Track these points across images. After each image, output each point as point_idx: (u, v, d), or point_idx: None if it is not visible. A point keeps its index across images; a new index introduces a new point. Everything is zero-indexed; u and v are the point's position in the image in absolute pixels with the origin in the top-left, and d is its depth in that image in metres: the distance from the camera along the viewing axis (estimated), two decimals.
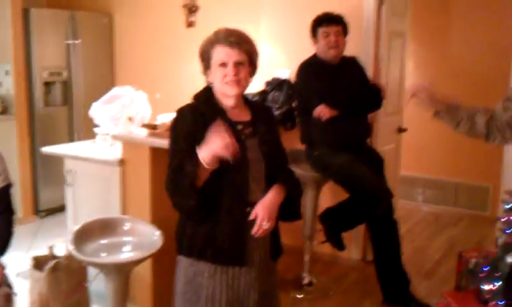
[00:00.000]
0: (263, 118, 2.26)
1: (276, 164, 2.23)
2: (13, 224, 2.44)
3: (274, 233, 2.21)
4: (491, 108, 2.37)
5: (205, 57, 2.17)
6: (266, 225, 2.09)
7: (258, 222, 2.09)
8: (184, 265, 2.20)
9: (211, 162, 2.00)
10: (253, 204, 2.12)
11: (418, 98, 2.42)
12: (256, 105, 2.33)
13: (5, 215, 2.43)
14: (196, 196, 2.01)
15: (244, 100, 2.26)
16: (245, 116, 2.22)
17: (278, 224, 2.25)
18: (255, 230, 2.09)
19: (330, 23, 3.71)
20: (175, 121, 2.17)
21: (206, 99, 2.18)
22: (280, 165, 2.27)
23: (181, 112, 2.17)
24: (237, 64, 2.10)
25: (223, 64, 2.10)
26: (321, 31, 3.71)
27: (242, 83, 2.13)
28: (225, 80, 2.11)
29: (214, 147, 1.97)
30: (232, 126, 2.11)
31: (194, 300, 2.17)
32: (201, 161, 1.99)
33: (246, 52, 2.13)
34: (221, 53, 2.11)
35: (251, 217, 2.10)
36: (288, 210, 2.23)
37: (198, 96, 2.22)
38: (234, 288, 2.15)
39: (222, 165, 2.04)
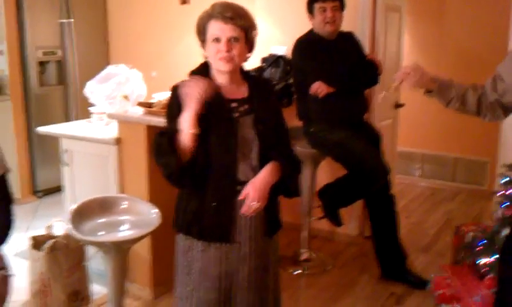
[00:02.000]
0: (261, 93, 2.22)
1: (271, 141, 2.18)
2: (12, 213, 2.41)
3: (270, 210, 2.19)
4: (480, 85, 2.36)
5: (201, 31, 2.13)
6: (256, 205, 2.08)
7: (247, 201, 2.07)
8: (180, 237, 2.23)
9: (189, 124, 1.97)
10: (243, 183, 2.10)
11: (409, 82, 2.40)
12: (255, 81, 2.27)
13: (3, 203, 2.40)
14: (176, 153, 1.99)
15: (244, 75, 2.23)
16: (242, 92, 2.18)
17: (277, 200, 2.25)
18: (244, 210, 2.08)
19: None
20: (170, 99, 2.16)
21: (201, 75, 2.14)
22: (278, 142, 2.21)
23: (175, 89, 2.14)
24: (231, 40, 2.07)
25: (217, 40, 2.07)
26: (318, 6, 3.67)
27: (235, 60, 2.09)
28: (218, 56, 2.08)
29: (188, 104, 1.98)
30: (223, 103, 2.10)
31: (186, 272, 2.20)
32: (180, 124, 1.99)
33: (242, 28, 2.08)
34: (215, 28, 2.07)
35: (241, 196, 2.08)
36: (285, 188, 2.22)
37: (194, 73, 2.19)
38: (226, 263, 2.16)
39: (209, 142, 2.04)
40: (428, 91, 2.40)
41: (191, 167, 2.03)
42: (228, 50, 2.06)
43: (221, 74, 2.14)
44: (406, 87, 2.47)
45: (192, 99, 1.98)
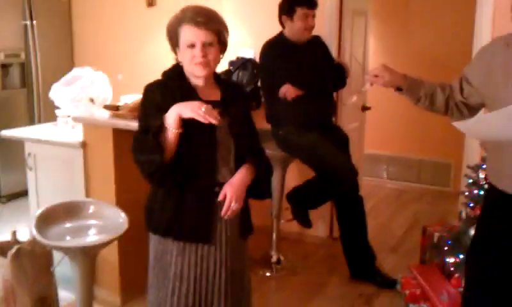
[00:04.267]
0: (234, 97, 2.23)
1: (246, 144, 2.20)
2: None
3: (243, 211, 2.20)
4: (448, 84, 2.40)
5: (173, 36, 2.12)
6: (235, 206, 2.08)
7: (227, 203, 2.07)
8: (153, 242, 2.19)
9: (174, 123, 1.97)
10: (221, 185, 2.11)
11: (380, 83, 2.43)
12: (227, 84, 2.29)
13: None
14: (161, 150, 1.97)
15: (216, 79, 2.23)
16: (215, 95, 2.18)
17: (248, 203, 2.25)
18: (224, 211, 2.08)
19: (311, 6, 3.67)
20: (143, 98, 2.13)
21: (176, 76, 2.14)
22: (250, 145, 2.24)
23: (149, 88, 2.13)
24: (206, 45, 2.06)
25: (191, 45, 2.06)
26: (301, 12, 3.64)
27: (211, 64, 2.10)
28: (193, 61, 2.07)
29: (182, 109, 1.97)
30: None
31: (161, 277, 2.16)
32: (165, 121, 1.98)
33: (215, 32, 2.08)
34: (189, 33, 2.06)
35: (220, 197, 2.08)
36: (258, 190, 2.22)
37: (167, 74, 2.18)
38: (203, 266, 2.14)
39: (190, 144, 2.03)
40: (398, 89, 2.43)
41: (173, 167, 2.02)
42: (204, 55, 2.05)
43: (196, 78, 2.13)
44: (377, 87, 2.49)
45: (189, 109, 1.96)
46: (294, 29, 3.72)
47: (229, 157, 2.15)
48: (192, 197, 2.09)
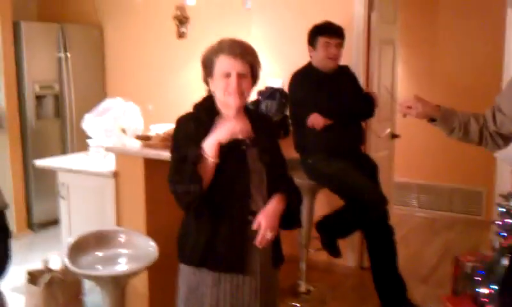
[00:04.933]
0: (262, 127, 2.26)
1: (277, 173, 2.23)
2: (9, 247, 2.41)
3: (275, 241, 2.20)
4: (481, 114, 2.38)
5: (208, 66, 2.16)
6: (269, 235, 2.09)
7: (261, 232, 2.08)
8: (186, 274, 2.19)
9: (213, 152, 2.01)
10: (254, 213, 2.12)
11: (413, 114, 2.43)
12: (255, 115, 2.32)
13: (1, 237, 2.39)
14: (200, 180, 1.99)
15: (245, 110, 2.25)
16: (246, 125, 2.21)
17: (279, 232, 2.25)
18: (258, 240, 2.09)
19: (332, 35, 3.70)
20: (176, 130, 2.17)
21: (207, 108, 2.18)
22: (280, 174, 2.26)
23: (182, 120, 2.17)
24: (240, 76, 2.10)
25: (227, 75, 2.10)
26: (322, 40, 3.69)
27: (244, 95, 2.14)
28: (228, 91, 2.10)
29: (220, 134, 2.02)
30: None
31: None
32: (203, 151, 2.01)
33: (249, 64, 2.13)
34: (225, 63, 2.10)
35: (255, 226, 2.09)
36: (289, 218, 2.22)
37: (198, 106, 2.22)
38: (238, 297, 2.14)
39: (224, 173, 2.05)
40: (432, 120, 2.42)
41: (209, 196, 2.04)
42: (239, 85, 2.09)
43: (228, 108, 2.15)
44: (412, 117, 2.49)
45: (226, 130, 2.03)
46: (317, 58, 3.75)
47: (262, 186, 2.17)
48: (226, 226, 2.10)
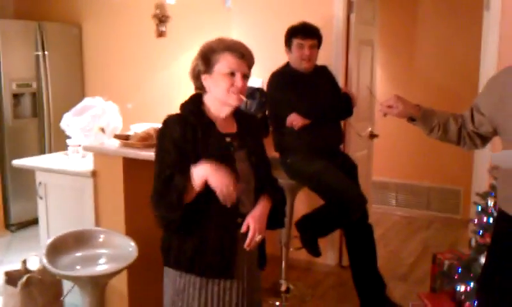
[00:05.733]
0: (249, 128, 2.26)
1: (263, 174, 2.23)
2: None
3: (261, 243, 2.20)
4: (460, 115, 2.42)
5: (208, 61, 2.12)
6: (258, 237, 2.09)
7: (250, 235, 2.08)
8: (172, 276, 2.17)
9: (201, 185, 1.99)
10: (243, 216, 2.12)
11: (393, 113, 2.46)
12: (242, 116, 2.30)
13: None
14: (183, 208, 1.98)
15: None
16: (232, 127, 2.20)
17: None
18: (247, 243, 2.09)
19: (306, 36, 3.72)
20: (162, 132, 2.12)
21: (194, 109, 2.14)
22: (266, 175, 2.27)
23: (168, 122, 2.11)
24: (243, 77, 2.11)
25: (231, 74, 2.09)
26: (296, 42, 3.72)
27: (244, 95, 2.13)
28: (232, 90, 2.09)
29: (213, 177, 1.97)
30: (221, 138, 2.12)
31: None
32: (192, 179, 1.98)
33: (249, 67, 2.15)
34: (230, 61, 2.09)
35: (243, 229, 2.09)
36: (274, 219, 2.22)
37: (185, 106, 2.18)
38: (225, 299, 2.14)
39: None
40: (411, 119, 2.45)
41: (197, 200, 2.02)
42: (244, 86, 2.10)
43: (225, 107, 2.14)
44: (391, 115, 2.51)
45: (218, 179, 1.97)
46: (292, 59, 3.78)
47: (250, 188, 2.17)
48: (215, 230, 2.08)
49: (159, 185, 2.04)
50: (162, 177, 2.04)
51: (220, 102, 2.13)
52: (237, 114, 2.26)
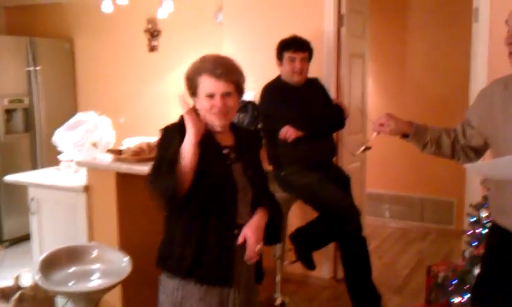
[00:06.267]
0: (246, 142, 2.27)
1: (260, 187, 2.24)
2: None
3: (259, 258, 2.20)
4: (453, 129, 2.44)
5: (191, 85, 2.15)
6: (257, 247, 2.10)
7: (250, 247, 2.08)
8: (170, 289, 2.15)
9: (190, 152, 1.99)
10: (240, 227, 2.12)
11: (385, 131, 2.47)
12: (240, 130, 2.32)
13: None
14: (175, 178, 1.96)
15: (230, 124, 2.25)
16: (230, 140, 2.21)
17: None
18: (247, 255, 2.09)
19: (297, 49, 3.74)
20: (162, 141, 2.14)
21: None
22: (263, 188, 2.27)
23: (168, 131, 2.13)
24: (225, 96, 2.09)
25: (210, 95, 2.09)
26: (287, 55, 3.74)
27: (230, 113, 2.14)
28: (213, 111, 2.09)
29: (189, 136, 1.99)
30: (218, 150, 2.13)
31: None
32: (183, 153, 1.99)
33: (233, 82, 2.12)
34: (208, 84, 2.09)
35: (240, 240, 2.09)
36: (271, 234, 2.23)
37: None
38: None
39: (207, 182, 2.04)
40: (404, 136, 2.46)
41: (195, 209, 2.03)
42: (223, 105, 2.09)
43: (213, 125, 2.15)
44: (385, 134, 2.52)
45: (192, 131, 2.00)
46: (284, 72, 3.80)
47: (247, 200, 2.17)
48: (213, 239, 2.08)
49: (154, 163, 2.08)
50: (157, 159, 2.09)
51: (208, 121, 2.14)
52: (235, 128, 2.27)
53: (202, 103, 2.12)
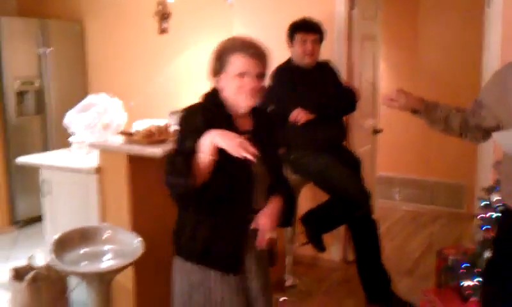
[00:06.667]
0: (265, 127, 2.24)
1: (277, 173, 2.24)
2: None
3: (273, 242, 2.21)
4: (463, 108, 2.42)
5: (219, 63, 2.11)
6: (269, 235, 2.10)
7: (262, 233, 2.09)
8: (188, 270, 2.15)
9: (208, 151, 1.95)
10: (255, 212, 2.12)
11: (396, 106, 2.46)
12: (259, 113, 2.26)
13: None
14: (190, 173, 1.94)
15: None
16: (248, 124, 2.19)
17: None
18: (259, 242, 2.10)
19: (308, 31, 3.72)
20: (184, 120, 2.11)
21: (216, 101, 2.13)
22: (278, 174, 2.27)
23: (190, 110, 2.11)
24: (255, 77, 2.07)
25: (241, 75, 2.06)
26: (298, 37, 3.72)
27: (257, 95, 2.11)
28: (242, 90, 2.07)
29: (220, 139, 1.93)
30: (237, 134, 2.07)
31: (202, 303, 2.13)
32: (200, 150, 1.96)
33: (264, 65, 2.11)
34: (241, 62, 2.06)
35: (253, 226, 2.10)
36: (284, 218, 2.22)
37: (207, 97, 2.16)
38: (244, 294, 2.16)
39: (225, 174, 2.02)
40: (414, 111, 2.45)
41: (200, 193, 2.00)
42: (255, 86, 2.07)
43: (238, 107, 2.12)
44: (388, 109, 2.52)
45: (226, 138, 1.94)
46: (295, 55, 3.78)
47: (263, 186, 2.17)
48: (226, 225, 2.08)
49: (171, 155, 2.06)
50: (176, 149, 2.07)
51: (233, 101, 2.12)
52: (255, 111, 2.22)
53: (230, 83, 2.08)
